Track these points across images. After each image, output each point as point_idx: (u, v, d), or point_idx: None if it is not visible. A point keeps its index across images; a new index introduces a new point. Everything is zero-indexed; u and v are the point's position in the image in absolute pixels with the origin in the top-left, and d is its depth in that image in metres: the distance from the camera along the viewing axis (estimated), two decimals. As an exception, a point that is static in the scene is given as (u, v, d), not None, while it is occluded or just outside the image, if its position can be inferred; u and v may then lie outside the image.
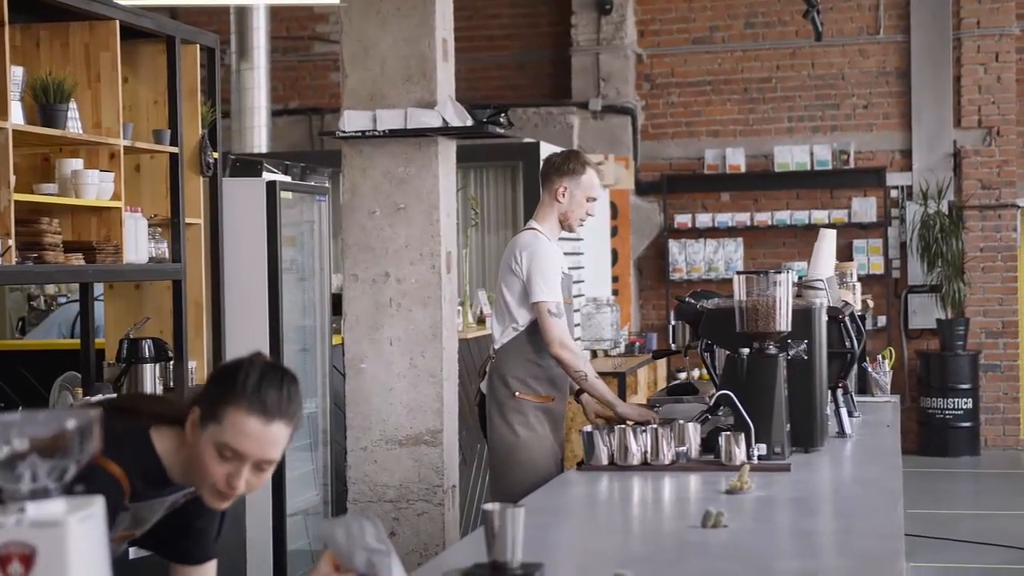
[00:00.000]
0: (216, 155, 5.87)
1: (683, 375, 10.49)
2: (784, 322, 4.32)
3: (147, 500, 2.66)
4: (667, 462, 4.16)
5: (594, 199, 5.20)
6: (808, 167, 12.45)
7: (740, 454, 4.11)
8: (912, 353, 12.41)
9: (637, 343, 10.60)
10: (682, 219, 12.67)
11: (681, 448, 4.20)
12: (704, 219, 12.62)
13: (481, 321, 8.47)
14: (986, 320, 12.32)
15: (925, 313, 12.31)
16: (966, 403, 11.95)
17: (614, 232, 12.17)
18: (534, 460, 5.05)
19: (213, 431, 2.54)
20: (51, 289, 8.43)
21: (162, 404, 2.71)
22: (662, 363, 10.88)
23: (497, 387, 5.14)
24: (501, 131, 5.77)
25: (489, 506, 2.72)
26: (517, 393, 5.09)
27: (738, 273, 4.39)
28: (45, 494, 1.74)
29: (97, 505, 1.77)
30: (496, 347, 5.19)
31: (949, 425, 11.97)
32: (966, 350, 12.05)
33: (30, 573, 1.69)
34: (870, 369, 6.26)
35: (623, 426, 4.26)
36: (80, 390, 5.37)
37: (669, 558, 3.03)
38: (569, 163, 5.18)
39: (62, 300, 8.14)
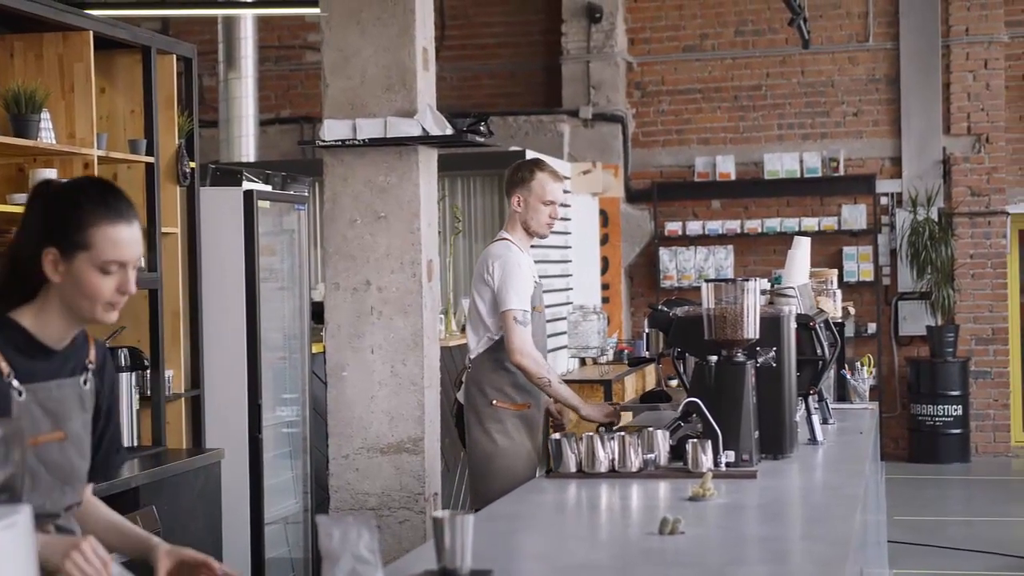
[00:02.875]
0: (193, 165, 5.89)
1: (674, 383, 10.49)
2: (752, 329, 4.33)
3: (39, 380, 2.67)
4: (634, 469, 4.17)
5: (551, 202, 5.24)
6: (798, 174, 12.48)
7: (707, 461, 4.12)
8: (902, 360, 12.42)
9: (626, 351, 10.60)
10: (672, 227, 12.69)
11: (650, 455, 4.21)
12: (694, 227, 12.63)
13: (464, 329, 8.49)
14: (976, 327, 12.33)
15: (915, 320, 12.32)
16: (956, 410, 11.96)
17: (604, 240, 12.19)
18: (513, 467, 5.09)
19: (86, 257, 2.63)
20: None
21: (5, 295, 2.72)
22: (651, 370, 10.89)
23: (474, 396, 5.19)
24: (481, 140, 5.79)
25: (438, 514, 2.74)
26: (494, 402, 5.14)
27: (707, 281, 4.41)
28: (-32, 503, 1.75)
29: (23, 514, 1.79)
30: (472, 356, 5.25)
31: (939, 432, 11.97)
32: (956, 357, 12.06)
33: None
34: (848, 376, 6.27)
35: (591, 433, 4.27)
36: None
37: (621, 564, 3.05)
38: (518, 172, 5.29)
39: None
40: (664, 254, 12.67)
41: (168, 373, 5.69)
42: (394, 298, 5.52)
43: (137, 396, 5.44)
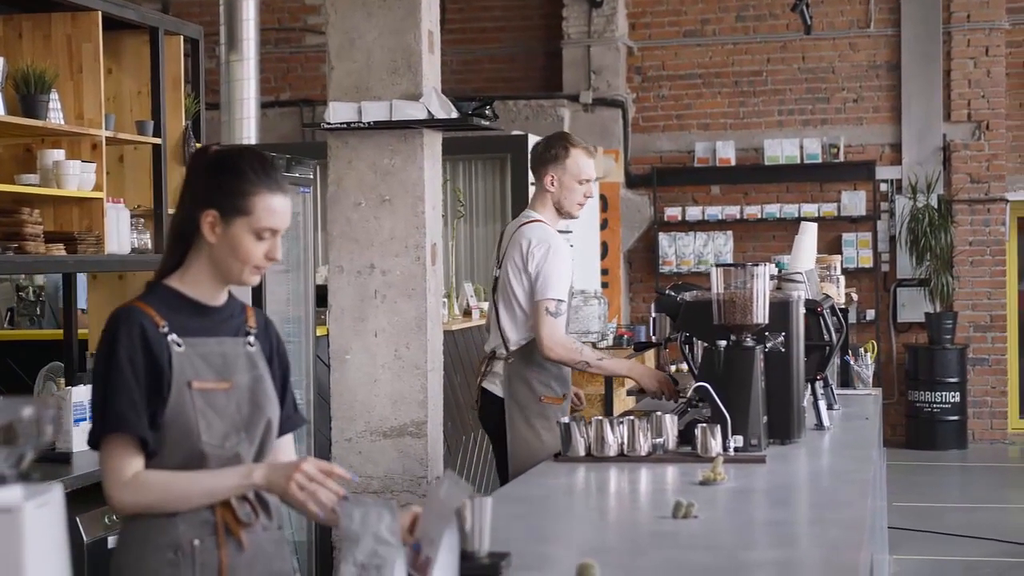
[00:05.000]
0: (200, 146, 5.88)
1: (673, 368, 10.49)
2: (761, 314, 4.33)
3: (197, 335, 2.79)
4: (643, 453, 4.18)
5: (586, 180, 5.11)
6: (798, 160, 12.48)
7: (716, 446, 4.13)
8: (900, 346, 12.44)
9: (626, 336, 10.62)
10: (672, 212, 12.70)
11: (658, 440, 4.22)
12: (694, 212, 12.64)
13: (467, 313, 8.50)
14: (974, 314, 12.35)
15: (914, 306, 12.34)
16: (954, 397, 11.98)
17: (604, 225, 12.20)
18: None
19: (245, 222, 2.78)
20: (40, 279, 8.44)
21: (164, 262, 2.87)
22: (652, 355, 10.91)
23: (519, 390, 5.04)
24: (486, 123, 5.78)
25: (456, 496, 2.74)
26: (542, 398, 5.00)
27: (716, 266, 4.40)
28: (1, 481, 1.75)
29: (55, 493, 1.79)
30: (512, 348, 5.06)
31: (937, 418, 12.00)
32: (954, 344, 12.08)
33: (-15, 558, 1.71)
34: (852, 362, 6.28)
35: (600, 417, 4.27)
36: (63, 380, 5.39)
37: (637, 548, 3.06)
38: (551, 149, 5.09)
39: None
40: (663, 239, 12.67)
41: (173, 354, 5.68)
42: (398, 281, 5.51)
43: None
